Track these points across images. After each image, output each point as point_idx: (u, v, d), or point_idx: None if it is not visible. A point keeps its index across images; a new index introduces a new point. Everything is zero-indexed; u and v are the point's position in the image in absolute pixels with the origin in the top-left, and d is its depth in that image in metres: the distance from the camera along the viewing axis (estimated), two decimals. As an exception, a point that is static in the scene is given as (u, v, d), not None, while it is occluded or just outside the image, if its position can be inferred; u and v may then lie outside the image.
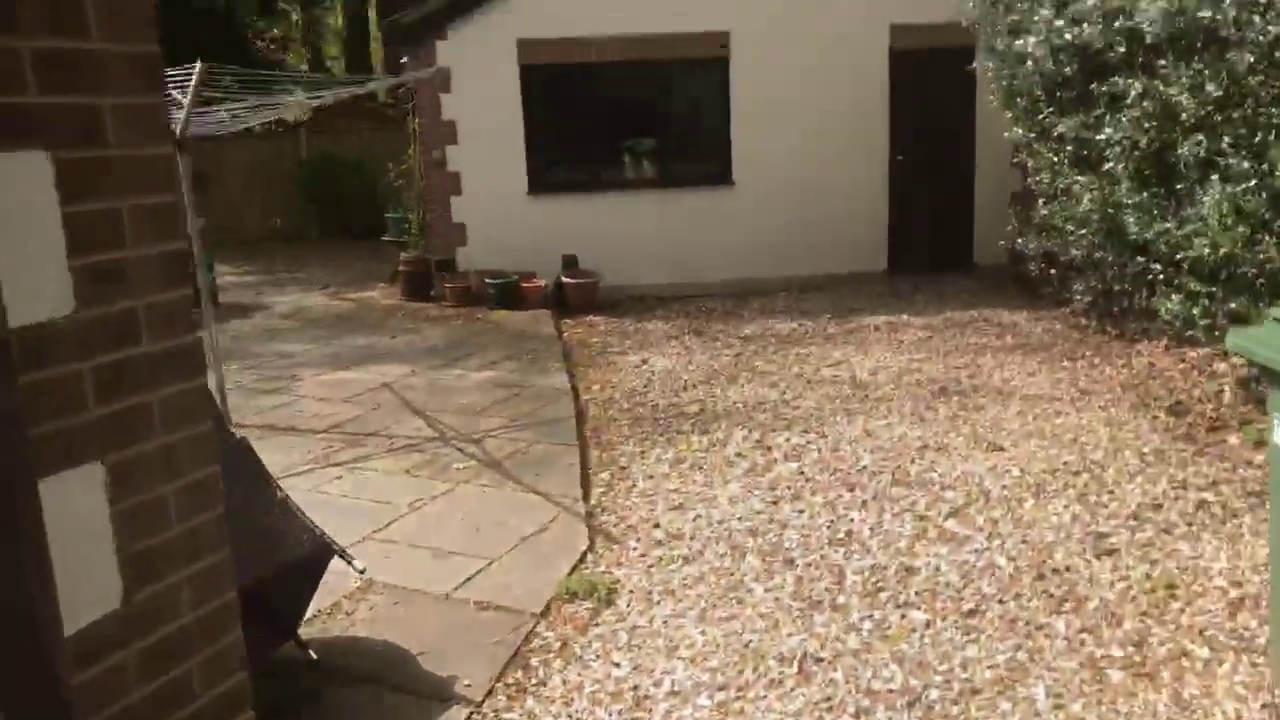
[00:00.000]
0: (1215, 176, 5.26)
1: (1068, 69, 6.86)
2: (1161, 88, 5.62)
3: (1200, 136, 5.38)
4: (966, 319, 9.18)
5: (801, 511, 4.86)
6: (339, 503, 5.12)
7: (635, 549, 4.54)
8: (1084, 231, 7.61)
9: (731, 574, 4.25)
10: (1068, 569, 4.12)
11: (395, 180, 11.80)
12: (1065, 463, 5.33)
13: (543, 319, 9.73)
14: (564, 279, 10.45)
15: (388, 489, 5.29)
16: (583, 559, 4.43)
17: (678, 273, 10.93)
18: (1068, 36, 6.56)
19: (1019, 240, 8.94)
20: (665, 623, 3.88)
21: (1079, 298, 8.44)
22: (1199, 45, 5.43)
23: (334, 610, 4.05)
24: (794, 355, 8.12)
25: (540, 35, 10.43)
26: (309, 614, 3.84)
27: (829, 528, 4.65)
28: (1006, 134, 9.51)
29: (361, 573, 3.71)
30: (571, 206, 10.80)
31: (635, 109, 11.26)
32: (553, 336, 8.98)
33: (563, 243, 10.67)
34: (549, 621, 3.93)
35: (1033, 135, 8.43)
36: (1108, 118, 6.41)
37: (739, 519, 4.82)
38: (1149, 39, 5.74)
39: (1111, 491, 4.91)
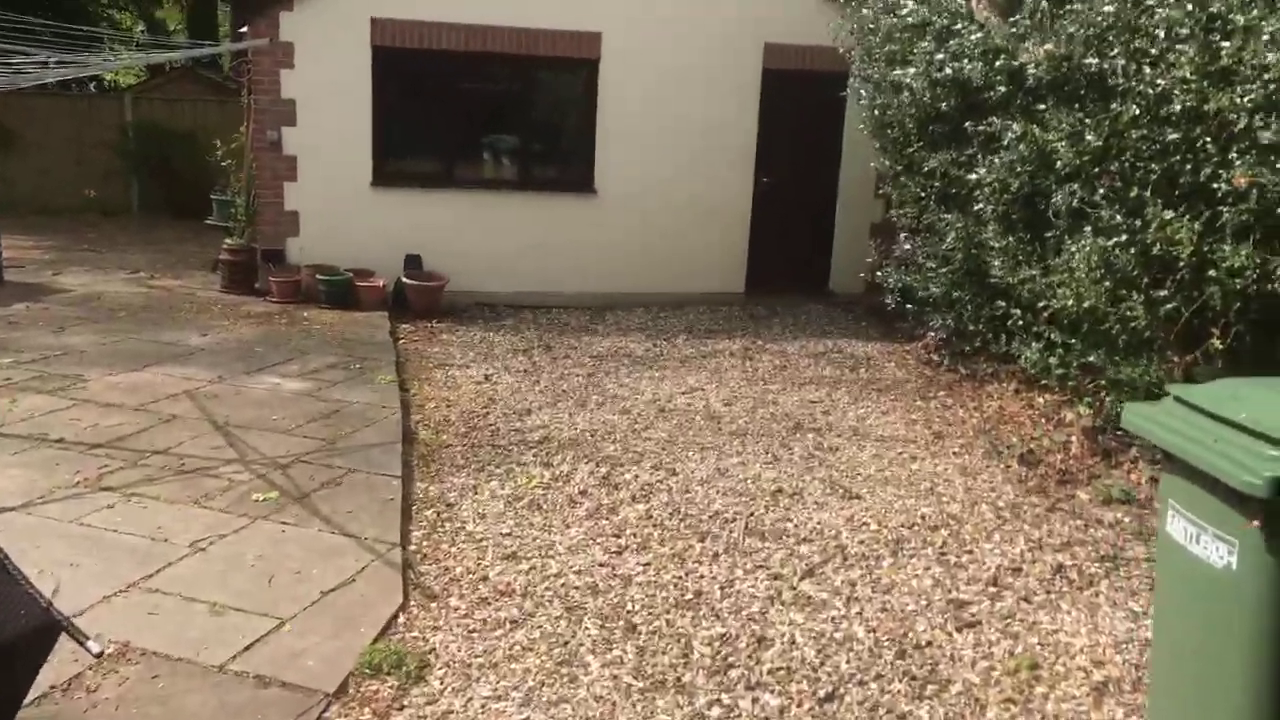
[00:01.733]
0: (1087, 228, 5.13)
1: (944, 104, 6.70)
2: (1038, 132, 5.46)
3: (1075, 186, 5.24)
4: (821, 349, 9.00)
5: (648, 565, 4.38)
6: (104, 539, 4.29)
7: (457, 608, 3.94)
8: (944, 270, 7.50)
9: (566, 642, 3.72)
10: (929, 644, 3.80)
11: (223, 159, 10.70)
12: (923, 515, 5.07)
13: (378, 323, 8.95)
14: (405, 280, 9.69)
15: (168, 523, 4.49)
16: (393, 620, 3.80)
17: (531, 281, 10.35)
18: (948, 71, 6.38)
19: (879, 273, 8.81)
20: (484, 707, 3.31)
21: (933, 334, 8.37)
22: (1082, 93, 5.29)
23: (72, 686, 3.28)
24: (647, 379, 7.68)
25: (398, 15, 9.66)
26: (36, 692, 3.07)
27: (676, 585, 4.19)
28: (873, 164, 9.43)
29: (99, 656, 2.97)
30: (419, 202, 10.05)
31: (496, 105, 10.62)
32: (387, 343, 8.23)
33: (407, 240, 9.91)
34: (345, 703, 3.29)
35: (899, 168, 8.31)
36: (980, 157, 6.26)
37: (578, 572, 4.29)
38: (1030, 81, 5.59)
39: (970, 551, 4.65)
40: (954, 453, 6.21)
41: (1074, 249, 5.23)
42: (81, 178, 16.09)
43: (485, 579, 4.22)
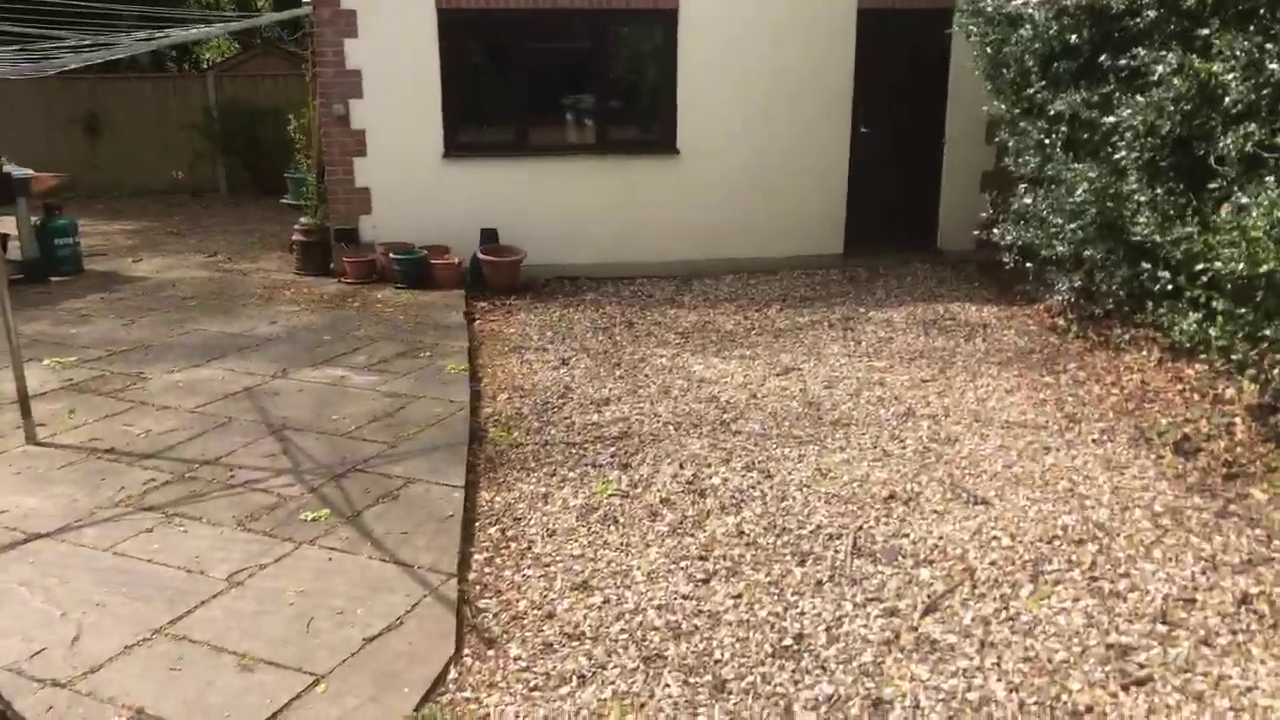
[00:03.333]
0: (1269, 177, 4.21)
1: (1073, 36, 5.77)
2: (1199, 64, 4.53)
3: (1251, 127, 4.32)
4: (931, 315, 8.16)
5: (739, 597, 3.76)
6: (136, 571, 3.90)
7: (517, 657, 3.41)
8: (1073, 225, 6.59)
9: (643, 704, 3.15)
10: (1089, 709, 3.08)
11: (296, 135, 10.35)
12: (1064, 526, 4.30)
13: (454, 303, 8.49)
14: (481, 255, 9.19)
15: (207, 550, 4.07)
16: (443, 676, 3.28)
17: (612, 251, 9.74)
18: (1080, -4, 5.46)
19: (995, 229, 7.90)
20: (542, 795, 2.77)
21: (1059, 297, 7.45)
22: (1262, 11, 4.34)
23: (77, 764, 2.86)
24: (737, 358, 7.01)
25: (460, -25, 9.06)
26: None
27: (773, 627, 3.56)
28: (985, 108, 8.45)
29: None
30: (493, 172, 9.51)
31: (570, 65, 9.96)
32: (461, 326, 7.74)
33: (482, 214, 9.40)
34: (380, 788, 2.80)
35: (1017, 111, 7.37)
36: (1120, 96, 5.34)
37: (658, 607, 3.71)
38: (1190, 2, 4.65)
39: (1127, 575, 3.89)
40: (1093, 440, 5.39)
41: (1249, 202, 4.32)
42: (168, 160, 16.12)
43: (552, 615, 3.67)
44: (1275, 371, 5.26)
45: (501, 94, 9.72)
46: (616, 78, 9.84)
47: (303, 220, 9.74)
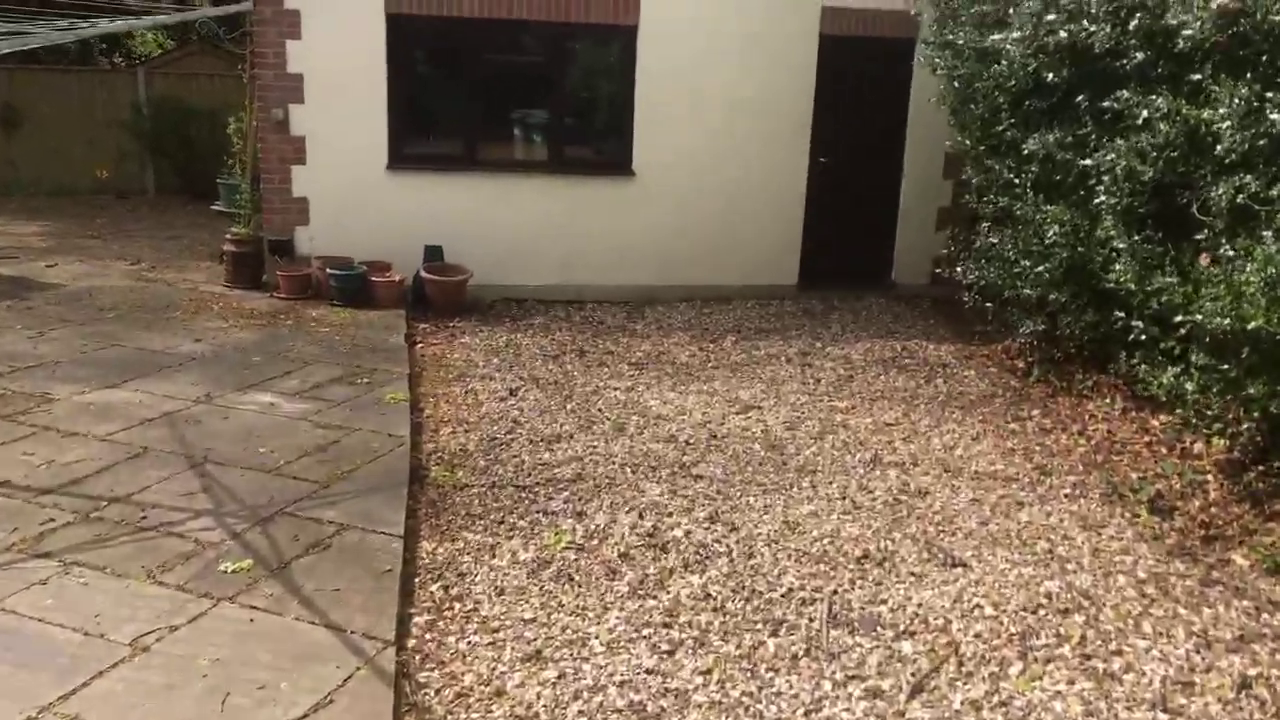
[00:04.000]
0: (1267, 232, 4.04)
1: (1050, 75, 5.60)
2: (1186, 109, 4.37)
3: (1247, 177, 4.15)
4: (890, 353, 7.96)
5: (708, 674, 3.43)
6: (23, 633, 3.41)
7: (462, 746, 3.02)
8: (1041, 268, 6.43)
9: (604, 806, 2.79)
10: (1097, 815, 2.81)
11: (233, 138, 9.79)
12: (1048, 594, 4.06)
13: (394, 323, 8.03)
14: (425, 274, 8.76)
15: (109, 608, 3.60)
16: (377, 770, 2.88)
17: (563, 273, 9.38)
18: (1062, 35, 5.28)
19: (957, 268, 7.75)
20: None
21: (1021, 340, 7.31)
22: (1264, 58, 4.18)
23: None
24: (694, 393, 6.70)
25: (412, -21, 8.66)
26: None
27: (747, 710, 3.23)
28: (948, 143, 8.33)
29: None
30: (440, 187, 9.09)
31: (524, 78, 9.59)
32: (402, 350, 7.30)
33: (427, 230, 8.96)
34: None
35: (983, 149, 7.22)
36: (1099, 139, 5.17)
37: (619, 684, 3.35)
38: (1182, 45, 4.49)
39: (1120, 652, 3.65)
40: (1066, 495, 5.19)
41: (1236, 256, 4.16)
42: (94, 157, 15.31)
43: (501, 693, 3.29)
44: (1245, 428, 5.13)
45: (451, 105, 9.32)
46: (572, 94, 9.51)
47: (234, 229, 9.19)
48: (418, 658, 3.48)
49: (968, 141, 7.44)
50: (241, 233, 9.09)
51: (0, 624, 3.47)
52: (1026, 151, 6.15)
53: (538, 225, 9.24)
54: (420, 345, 7.68)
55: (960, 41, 6.84)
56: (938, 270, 9.52)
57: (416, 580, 4.02)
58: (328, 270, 8.56)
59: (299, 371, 6.60)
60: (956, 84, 7.20)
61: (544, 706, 3.21)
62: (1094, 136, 5.42)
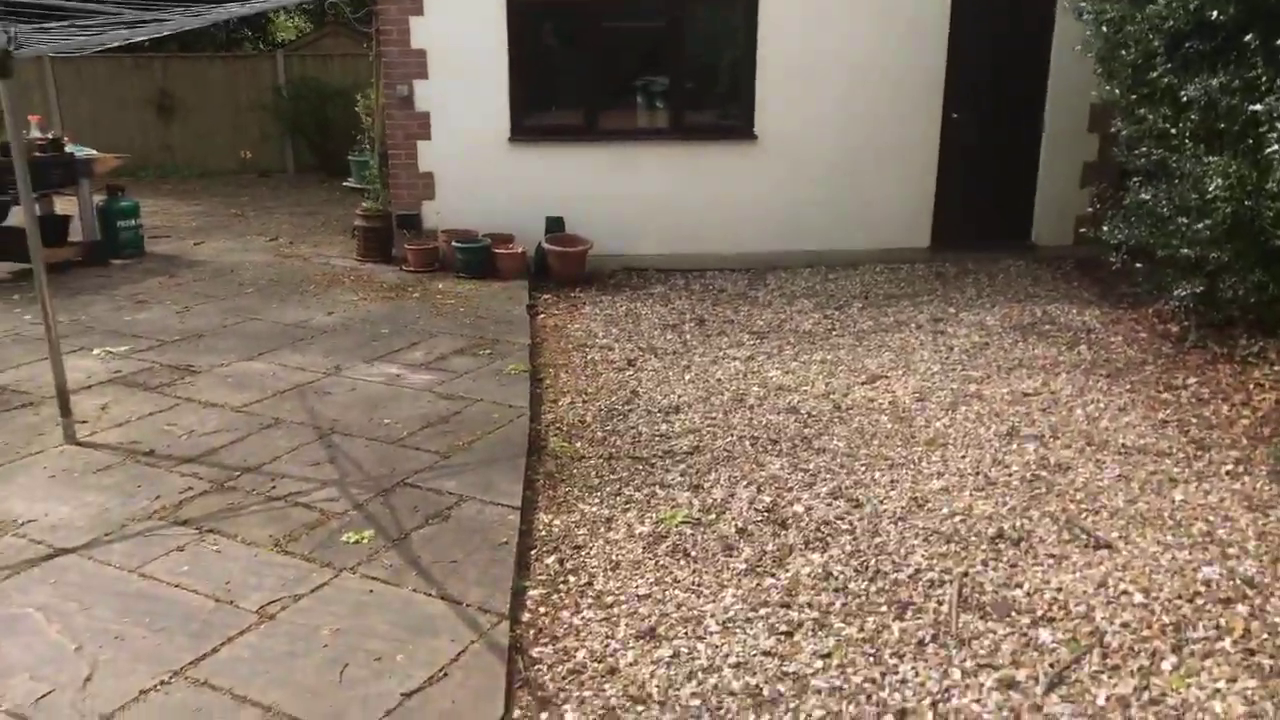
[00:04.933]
0: None
1: (1214, 12, 5.09)
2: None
3: None
4: (1029, 318, 7.51)
5: (828, 657, 3.28)
6: (161, 599, 3.56)
7: (573, 723, 2.98)
8: (1201, 225, 5.91)
9: (716, 792, 2.69)
10: (1263, 830, 2.54)
11: (361, 116, 10.04)
12: (1206, 581, 3.72)
13: (517, 295, 8.09)
14: (546, 245, 8.78)
15: (240, 575, 3.72)
16: (488, 745, 2.87)
17: (684, 242, 9.26)
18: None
19: (1104, 226, 7.23)
20: None
21: (1176, 303, 6.76)
22: None
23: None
24: (818, 362, 6.49)
25: (530, -51, 8.63)
26: None
27: (870, 697, 3.07)
28: (1094, 93, 7.76)
29: None
30: (561, 157, 9.09)
31: (643, 45, 9.47)
32: (523, 321, 7.34)
33: (548, 201, 8.99)
34: None
35: (1134, 97, 6.68)
36: (1272, 82, 4.67)
37: (735, 666, 3.24)
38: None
39: (1290, 647, 3.31)
40: (1227, 471, 4.76)
41: None
42: (238, 141, 16.07)
43: (614, 671, 3.23)
44: None
45: (571, 76, 9.28)
46: (692, 59, 9.32)
47: (365, 205, 9.44)
48: (532, 632, 3.46)
49: (1117, 90, 6.91)
50: (371, 208, 9.32)
51: (140, 589, 3.63)
52: (1185, 98, 5.64)
53: (658, 193, 9.13)
54: (541, 316, 7.71)
55: (1110, -19, 6.32)
56: (1082, 229, 8.98)
57: (532, 553, 4.01)
58: (453, 243, 8.69)
59: (424, 343, 6.72)
60: (1105, 28, 6.68)
61: (657, 687, 3.14)
62: (1265, 79, 4.90)
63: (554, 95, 9.44)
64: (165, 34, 5.57)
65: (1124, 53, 6.43)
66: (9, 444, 4.94)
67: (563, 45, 9.44)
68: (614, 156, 9.09)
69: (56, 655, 3.21)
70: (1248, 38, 5.01)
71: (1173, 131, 5.95)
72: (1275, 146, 4.72)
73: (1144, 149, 6.54)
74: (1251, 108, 4.90)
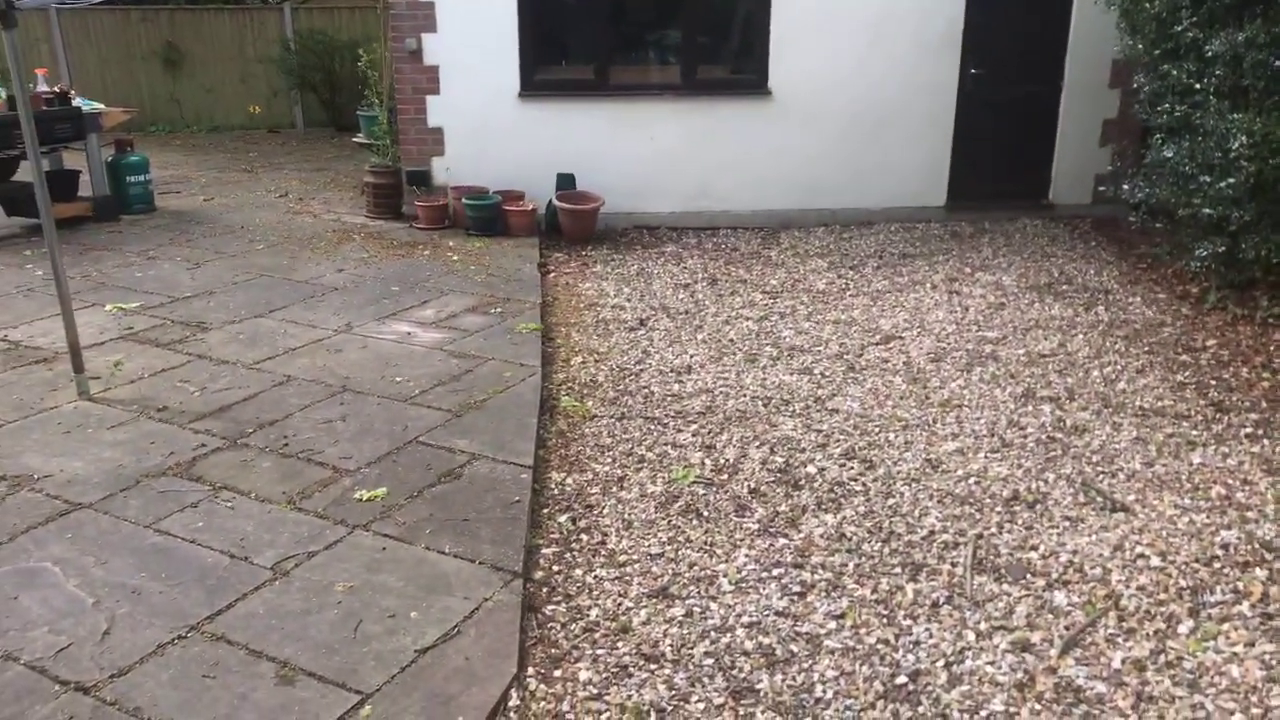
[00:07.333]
0: None
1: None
2: None
3: None
4: (1045, 278, 7.44)
5: (841, 618, 3.27)
6: (176, 554, 3.57)
7: (587, 683, 2.98)
8: (1224, 183, 5.81)
9: (730, 751, 2.70)
10: (1278, 793, 2.54)
11: (367, 70, 9.90)
12: (1224, 545, 3.70)
13: (528, 253, 8.04)
14: (557, 202, 8.70)
15: (254, 532, 3.73)
16: (502, 703, 2.88)
17: (696, 199, 9.16)
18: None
19: (1124, 185, 7.12)
20: None
21: (1197, 263, 6.66)
22: None
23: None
24: (832, 321, 6.44)
25: (540, -104, 8.43)
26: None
27: (883, 658, 3.07)
28: (1116, 48, 7.61)
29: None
30: (571, 113, 8.96)
31: (654, 0, 9.28)
32: (534, 279, 7.29)
33: (559, 157, 8.89)
34: (427, 843, 2.41)
35: (1158, 52, 6.54)
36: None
37: (748, 625, 3.24)
38: None
39: (1307, 611, 3.29)
40: (1247, 434, 4.72)
41: None
42: (247, 94, 15.93)
43: (627, 630, 3.23)
44: None
45: (582, 29, 9.12)
46: (705, 12, 9.14)
47: (374, 161, 9.35)
48: (544, 590, 3.47)
49: (1140, 45, 6.76)
50: (380, 164, 9.24)
51: (157, 544, 3.64)
52: (1210, 53, 5.51)
53: (670, 150, 9.02)
54: (552, 274, 7.66)
55: (1136, -69, 6.16)
56: (1101, 188, 8.87)
57: (545, 511, 4.01)
58: (463, 200, 8.62)
59: (435, 301, 6.68)
60: (1130, -20, 6.52)
61: (670, 646, 3.14)
62: (1295, 32, 4.78)
63: (564, 49, 9.30)
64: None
65: (1148, 5, 6.28)
66: (23, 400, 4.95)
67: (574, -3, 9.28)
68: (625, 112, 8.96)
69: (75, 609, 3.23)
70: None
71: (1197, 87, 5.82)
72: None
73: (1166, 105, 6.41)
74: (1278, 63, 4.78)
